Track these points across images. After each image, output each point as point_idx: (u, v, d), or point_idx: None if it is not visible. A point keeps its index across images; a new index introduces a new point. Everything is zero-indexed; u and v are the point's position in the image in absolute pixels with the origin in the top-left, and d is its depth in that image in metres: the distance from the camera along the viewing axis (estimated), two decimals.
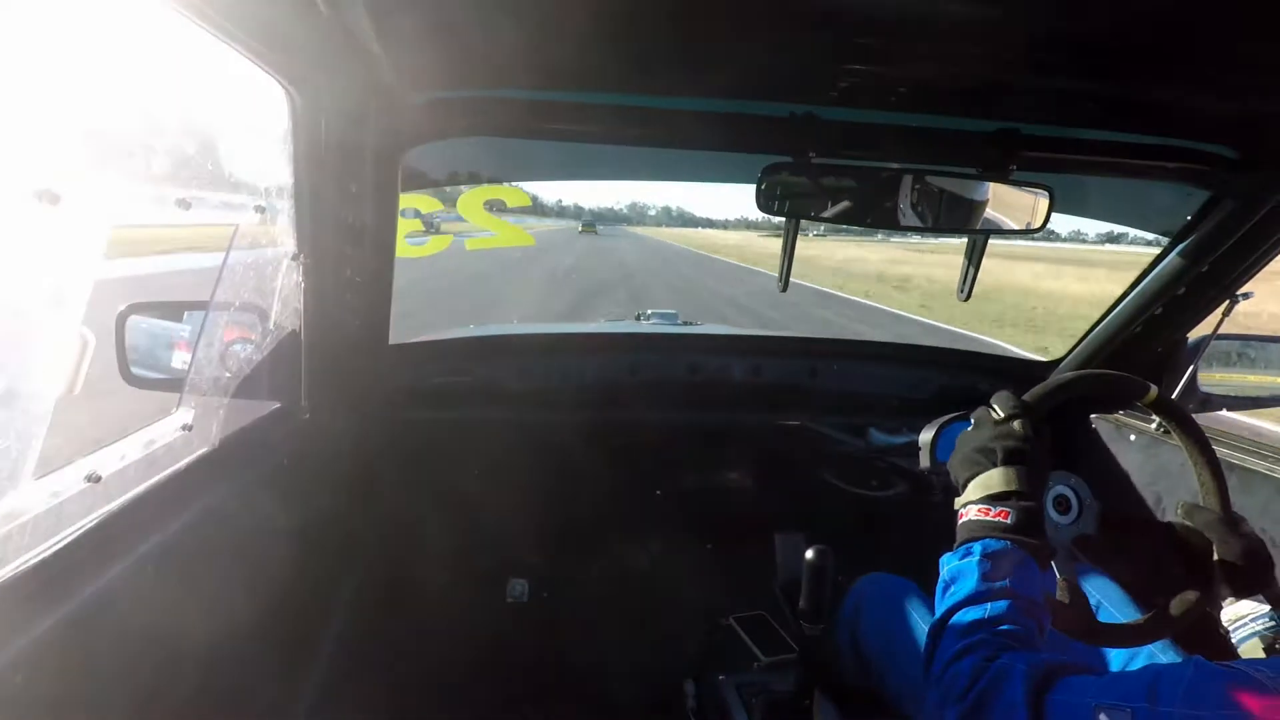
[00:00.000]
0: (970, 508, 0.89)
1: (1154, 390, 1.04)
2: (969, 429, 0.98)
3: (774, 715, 1.39)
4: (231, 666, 0.97)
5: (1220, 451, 1.21)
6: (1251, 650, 0.89)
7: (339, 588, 1.50)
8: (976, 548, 0.83)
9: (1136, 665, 1.09)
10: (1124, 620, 0.98)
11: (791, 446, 1.97)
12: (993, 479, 0.89)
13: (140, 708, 0.77)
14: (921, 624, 1.26)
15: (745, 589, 1.91)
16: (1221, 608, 0.94)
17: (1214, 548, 0.96)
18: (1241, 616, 0.91)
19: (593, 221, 67.21)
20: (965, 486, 0.92)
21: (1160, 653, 1.10)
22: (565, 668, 1.72)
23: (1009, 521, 0.84)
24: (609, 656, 1.71)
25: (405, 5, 0.92)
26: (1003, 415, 0.95)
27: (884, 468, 1.89)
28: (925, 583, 1.37)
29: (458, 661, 1.66)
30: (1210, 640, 1.11)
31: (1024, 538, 0.84)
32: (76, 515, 0.76)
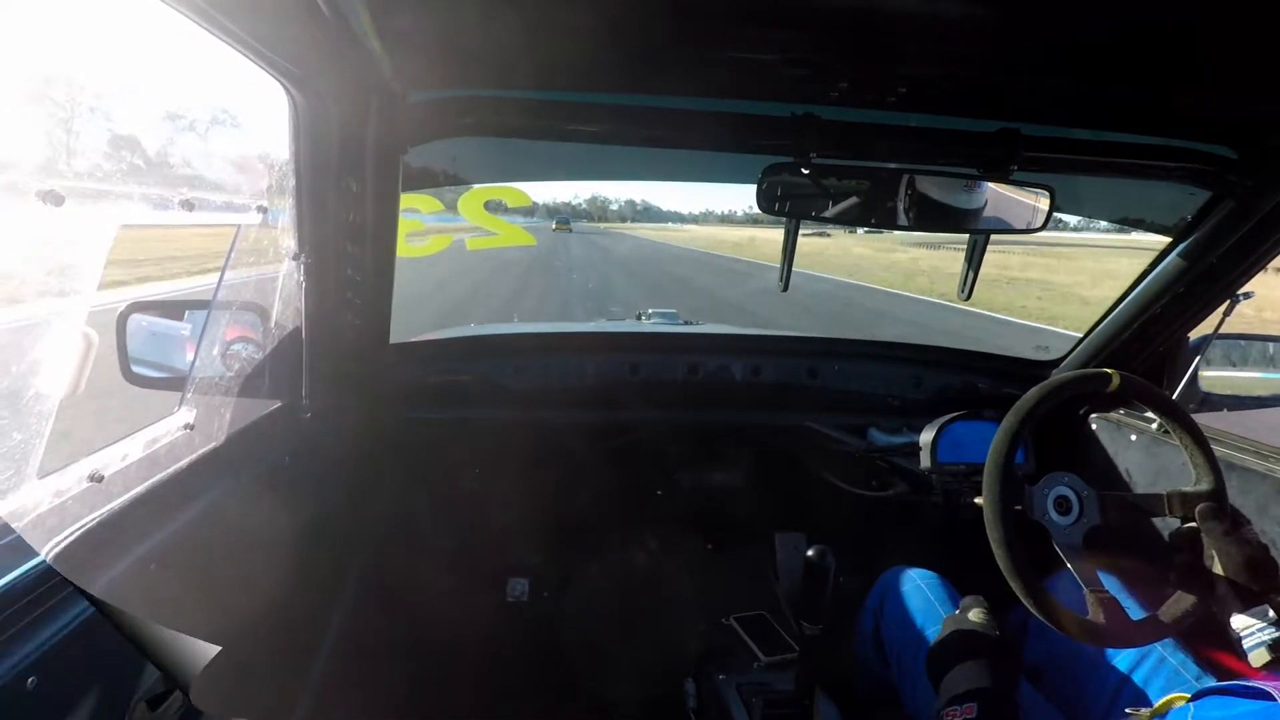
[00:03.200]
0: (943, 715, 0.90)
1: (1115, 376, 1.04)
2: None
3: (774, 715, 1.39)
4: (232, 665, 0.97)
5: (1219, 451, 1.21)
6: (1258, 658, 0.89)
7: (340, 586, 1.50)
8: None
9: (1147, 664, 1.10)
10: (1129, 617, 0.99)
11: (791, 446, 1.97)
12: (955, 676, 0.92)
13: (143, 706, 0.78)
14: (943, 617, 1.26)
15: (745, 588, 1.91)
16: (1230, 616, 0.94)
17: (1215, 560, 0.95)
18: (1249, 626, 0.91)
19: (567, 219, 63.21)
20: (939, 691, 0.95)
21: (1169, 654, 1.10)
22: (565, 667, 1.72)
23: (974, 716, 0.86)
24: (609, 656, 1.72)
25: (406, 5, 0.92)
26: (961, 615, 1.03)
27: (884, 467, 1.89)
28: None
29: (458, 660, 1.66)
30: (1216, 635, 1.11)
31: None
32: (79, 514, 0.76)
